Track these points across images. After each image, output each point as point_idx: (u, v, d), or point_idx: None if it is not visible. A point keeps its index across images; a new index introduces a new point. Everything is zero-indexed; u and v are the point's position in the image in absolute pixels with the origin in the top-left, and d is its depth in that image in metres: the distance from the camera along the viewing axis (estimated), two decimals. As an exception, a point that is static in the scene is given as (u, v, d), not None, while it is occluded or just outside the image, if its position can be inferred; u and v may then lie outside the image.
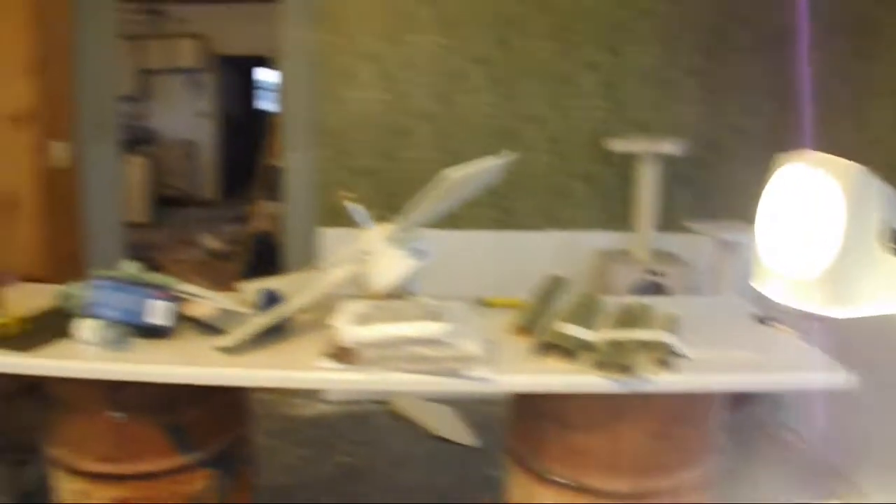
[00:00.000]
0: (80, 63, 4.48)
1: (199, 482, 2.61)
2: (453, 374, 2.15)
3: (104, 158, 4.66)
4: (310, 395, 4.76)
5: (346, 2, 4.46)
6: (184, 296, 2.54)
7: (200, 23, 11.46)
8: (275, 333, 2.43)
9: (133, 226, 5.93)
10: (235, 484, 2.75)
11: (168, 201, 11.36)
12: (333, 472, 4.02)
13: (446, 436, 4.31)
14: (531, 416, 2.53)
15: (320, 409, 4.71)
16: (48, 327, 2.55)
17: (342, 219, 4.06)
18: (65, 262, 4.18)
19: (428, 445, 4.29)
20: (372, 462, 4.13)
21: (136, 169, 10.17)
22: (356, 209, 2.58)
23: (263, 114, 12.49)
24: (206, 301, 2.55)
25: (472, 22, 4.50)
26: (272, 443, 4.24)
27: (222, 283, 2.97)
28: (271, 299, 2.57)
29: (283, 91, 4.83)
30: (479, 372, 2.15)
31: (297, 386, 2.44)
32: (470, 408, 4.51)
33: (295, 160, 4.59)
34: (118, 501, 2.55)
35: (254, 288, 2.72)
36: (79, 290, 2.55)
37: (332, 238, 4.42)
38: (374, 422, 4.56)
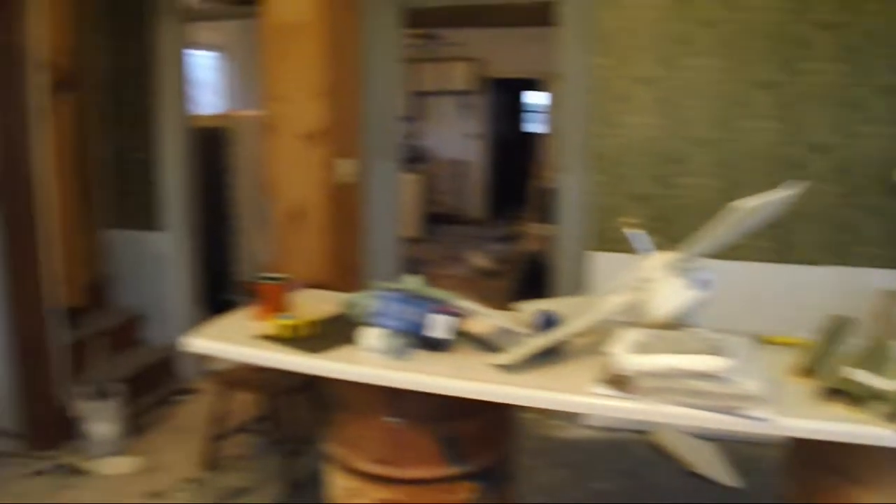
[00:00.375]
0: (367, 86, 4.74)
1: (464, 493, 2.66)
2: (732, 412, 2.07)
3: (385, 175, 4.90)
4: (570, 417, 4.75)
5: (624, 25, 4.42)
6: (463, 312, 2.60)
7: (473, 46, 11.78)
8: (550, 355, 2.44)
9: (405, 240, 6.17)
10: (497, 499, 2.77)
11: (437, 218, 11.75)
12: (589, 498, 3.98)
13: (707, 473, 4.16)
14: (810, 464, 2.39)
15: (579, 432, 4.68)
16: (334, 332, 2.71)
17: (614, 244, 4.02)
18: (346, 271, 4.42)
19: (687, 481, 4.15)
20: (628, 492, 4.05)
21: (409, 186, 10.59)
22: (638, 235, 2.55)
23: (531, 135, 12.64)
24: (484, 318, 2.60)
25: (753, 44, 4.32)
26: (530, 462, 4.25)
27: (489, 301, 3.01)
28: (548, 321, 2.58)
29: (554, 113, 4.85)
30: (759, 412, 2.05)
31: (571, 410, 2.43)
32: (733, 447, 4.33)
33: (567, 183, 4.61)
34: (387, 503, 2.65)
35: (530, 308, 2.74)
36: (364, 300, 2.68)
37: (603, 263, 4.40)
38: (633, 451, 4.47)
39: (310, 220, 4.29)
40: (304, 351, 2.54)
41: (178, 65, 5.17)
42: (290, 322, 2.66)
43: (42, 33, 4.19)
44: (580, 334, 2.53)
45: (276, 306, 2.84)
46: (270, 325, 2.71)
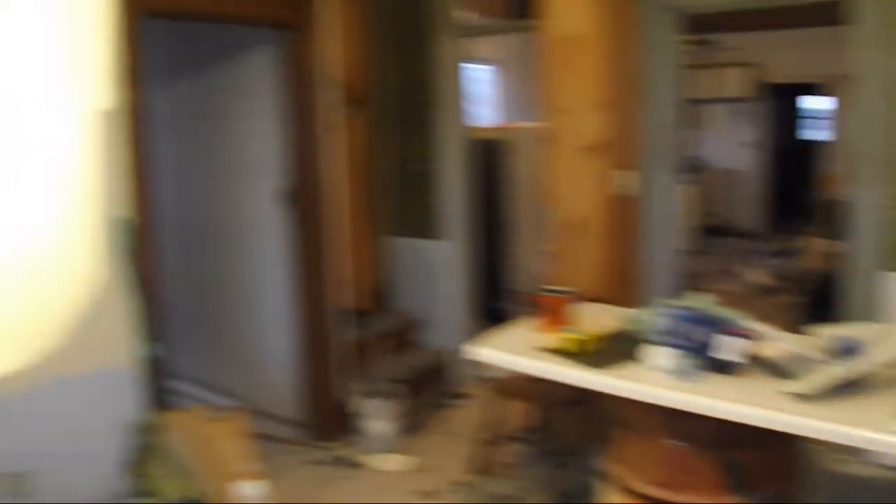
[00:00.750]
0: (645, 96, 4.66)
1: (745, 524, 2.55)
2: None
3: (662, 187, 4.79)
4: (854, 451, 4.42)
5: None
6: (752, 334, 2.50)
7: (748, 51, 11.29)
8: (848, 386, 2.29)
9: (679, 253, 6.03)
10: (782, 533, 2.64)
11: (709, 230, 11.35)
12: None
13: None
14: None
15: (863, 469, 4.35)
16: (617, 348, 2.69)
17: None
18: (624, 285, 4.36)
19: None
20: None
21: (683, 197, 10.27)
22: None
23: (811, 143, 11.96)
24: (776, 342, 2.49)
25: None
26: (807, 496, 4.01)
27: (768, 320, 2.86)
28: (849, 349, 2.43)
29: (842, 119, 4.54)
30: None
31: (873, 448, 2.27)
32: None
33: (861, 195, 4.29)
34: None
35: (827, 333, 2.59)
36: (648, 316, 2.64)
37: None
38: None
39: (589, 233, 4.29)
40: (588, 366, 2.54)
41: (457, 78, 5.32)
42: (576, 336, 2.67)
43: (335, 54, 4.47)
44: (885, 365, 2.36)
45: (558, 319, 2.87)
46: (555, 338, 2.73)
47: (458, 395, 5.26)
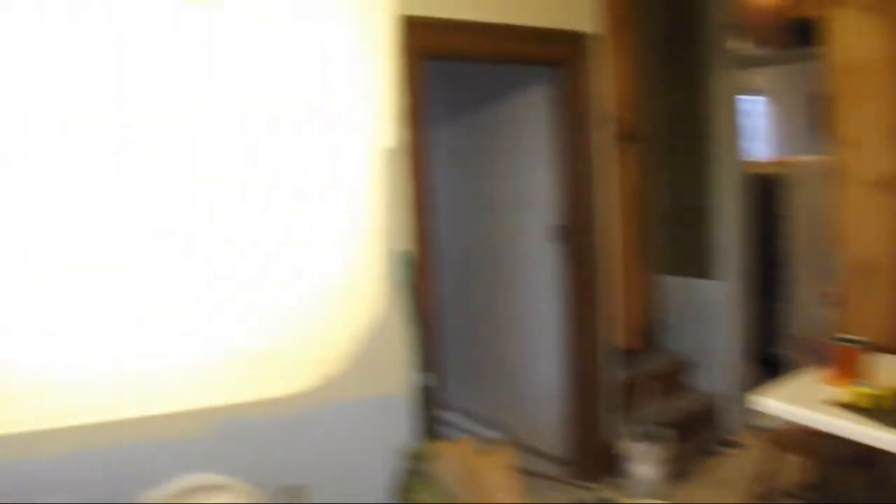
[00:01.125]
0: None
1: None
2: None
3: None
4: None
5: None
6: None
7: None
8: None
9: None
10: None
11: None
12: None
13: None
14: None
15: None
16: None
17: None
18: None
19: None
20: None
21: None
22: None
23: None
24: None
25: None
26: None
27: None
28: None
29: None
30: None
31: None
32: None
33: None
34: None
35: None
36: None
37: None
38: None
39: (881, 277, 3.98)
40: (886, 424, 2.33)
41: (732, 111, 5.15)
42: (871, 391, 2.47)
43: (607, 89, 4.45)
44: None
45: (850, 371, 2.66)
46: (846, 392, 2.54)
47: (728, 443, 5.04)
